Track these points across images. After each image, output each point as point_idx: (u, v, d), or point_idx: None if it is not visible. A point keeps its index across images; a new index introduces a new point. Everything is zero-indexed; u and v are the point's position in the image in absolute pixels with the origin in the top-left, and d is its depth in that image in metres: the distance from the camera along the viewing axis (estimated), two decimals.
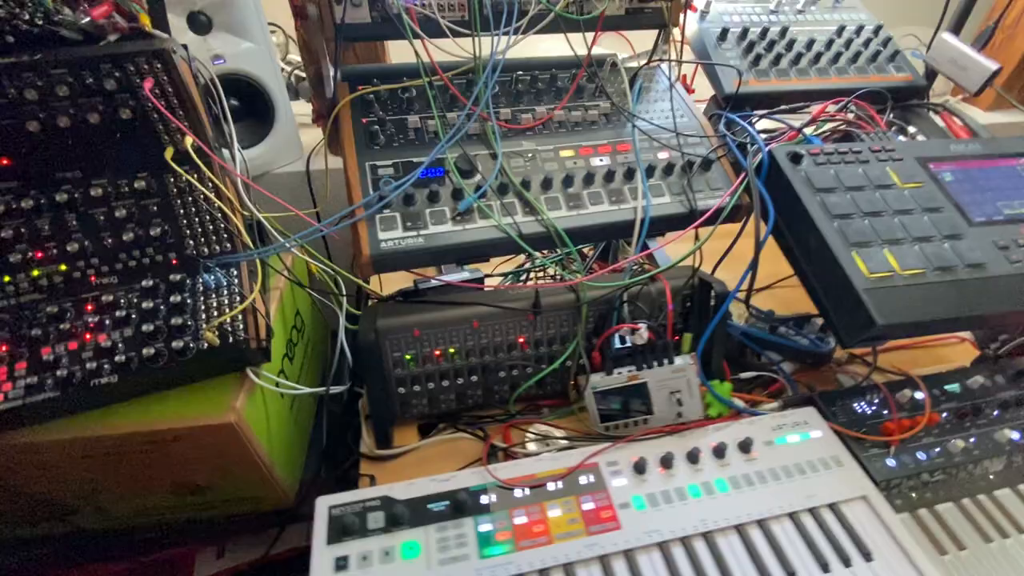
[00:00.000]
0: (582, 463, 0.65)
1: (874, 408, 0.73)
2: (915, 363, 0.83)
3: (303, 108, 1.13)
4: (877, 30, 0.91)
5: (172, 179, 0.68)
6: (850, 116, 0.79)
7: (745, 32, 0.87)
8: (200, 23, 0.87)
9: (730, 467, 0.66)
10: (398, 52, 1.05)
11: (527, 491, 0.62)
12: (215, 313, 0.66)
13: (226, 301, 0.67)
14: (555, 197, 0.68)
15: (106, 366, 0.62)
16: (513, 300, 0.70)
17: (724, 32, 0.86)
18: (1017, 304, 0.61)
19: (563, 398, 0.76)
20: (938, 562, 0.60)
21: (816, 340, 0.80)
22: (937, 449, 0.69)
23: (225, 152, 0.73)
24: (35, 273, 0.64)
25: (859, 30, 0.91)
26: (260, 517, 0.88)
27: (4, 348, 0.61)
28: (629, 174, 0.70)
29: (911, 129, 0.81)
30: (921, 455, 0.68)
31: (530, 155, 0.71)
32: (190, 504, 0.81)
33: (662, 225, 0.70)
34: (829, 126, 0.81)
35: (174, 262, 0.68)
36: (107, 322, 0.64)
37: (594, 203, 0.69)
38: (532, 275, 0.91)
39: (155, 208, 0.68)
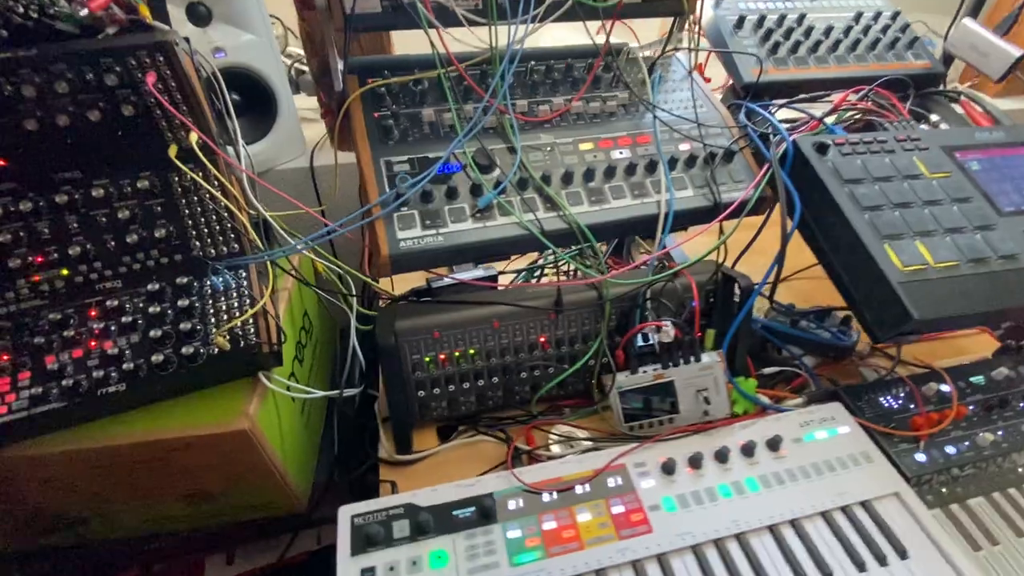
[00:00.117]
0: (609, 465, 0.63)
1: (900, 402, 0.71)
2: (935, 355, 0.82)
3: (305, 103, 1.10)
4: (895, 16, 0.89)
5: (176, 178, 0.65)
6: (871, 105, 0.77)
7: (762, 19, 0.85)
8: (200, 14, 0.83)
9: (759, 466, 0.64)
10: (402, 44, 1.02)
11: (555, 495, 0.61)
12: (225, 317, 0.64)
13: (236, 304, 0.65)
14: (576, 192, 0.66)
15: (113, 374, 0.60)
16: (534, 299, 0.68)
17: (741, 20, 0.84)
18: None
19: (584, 398, 0.74)
20: (973, 558, 0.59)
21: (838, 333, 0.79)
22: (966, 443, 0.68)
23: (229, 150, 0.71)
24: (36, 278, 0.61)
25: (876, 16, 0.89)
26: (270, 522, 0.86)
27: (6, 357, 0.58)
28: (651, 167, 0.68)
29: (933, 117, 0.79)
30: (950, 449, 0.67)
31: (549, 148, 0.68)
32: (201, 512, 0.78)
33: (686, 219, 0.68)
34: (850, 115, 0.79)
35: (180, 264, 0.65)
36: (113, 328, 0.62)
37: (616, 197, 0.67)
38: (547, 272, 0.89)
39: (159, 208, 0.65)
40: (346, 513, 0.58)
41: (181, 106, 0.62)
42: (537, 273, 0.88)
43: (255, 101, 0.94)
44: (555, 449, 0.67)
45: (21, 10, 0.56)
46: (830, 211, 0.63)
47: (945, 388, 0.73)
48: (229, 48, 0.85)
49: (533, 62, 0.74)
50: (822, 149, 0.67)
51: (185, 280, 0.64)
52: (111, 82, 0.59)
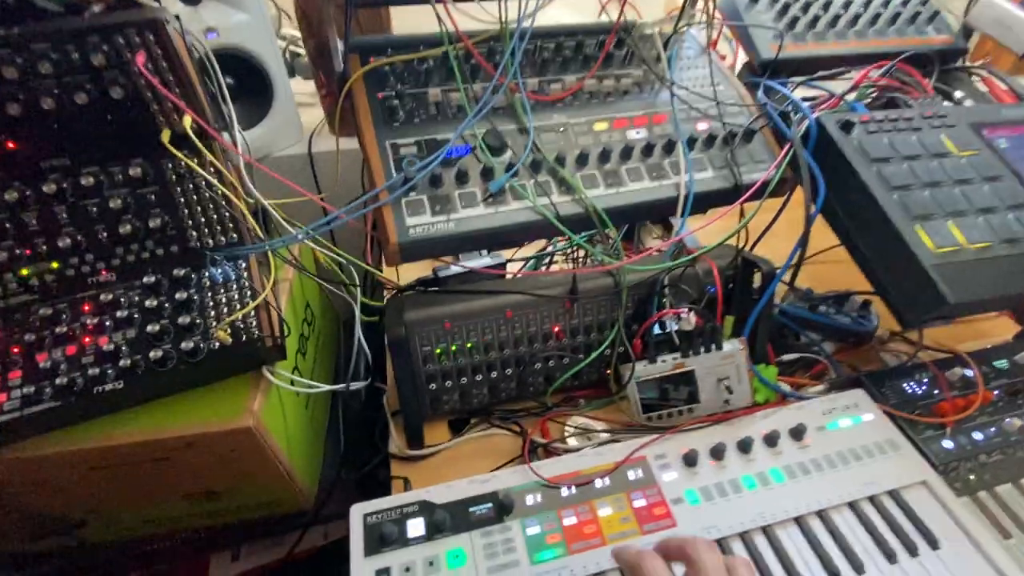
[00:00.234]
0: (629, 457, 0.61)
1: (924, 388, 0.70)
2: (956, 339, 0.80)
3: (301, 87, 1.06)
4: None
5: (170, 165, 0.62)
6: (894, 81, 0.74)
7: None
8: None
9: (783, 456, 0.62)
10: (401, 24, 0.98)
11: (574, 489, 0.59)
12: (225, 310, 0.61)
13: (236, 296, 0.62)
14: (592, 174, 0.63)
15: (110, 371, 0.57)
16: (548, 287, 0.65)
17: None
18: None
19: (599, 388, 0.72)
20: (1004, 546, 0.57)
21: (859, 318, 0.76)
22: (993, 428, 0.66)
23: (224, 135, 0.67)
24: (24, 272, 0.58)
25: None
26: (276, 520, 0.84)
27: None
28: (669, 147, 0.65)
29: (958, 94, 0.76)
30: (977, 435, 0.65)
31: (562, 129, 0.65)
32: (205, 512, 0.76)
33: (706, 201, 0.65)
34: (871, 92, 0.76)
35: (177, 256, 0.62)
36: (108, 323, 0.59)
37: (633, 179, 0.64)
38: (558, 259, 0.86)
39: (153, 197, 0.62)
40: (358, 512, 0.56)
41: (173, 88, 0.59)
42: (547, 261, 0.86)
43: (250, 85, 0.90)
44: (572, 442, 0.65)
45: None
46: (857, 192, 0.61)
47: (969, 373, 0.71)
48: (221, 28, 0.81)
49: (541, 40, 0.71)
50: (847, 127, 0.64)
51: (182, 272, 0.61)
52: (98, 62, 0.56)
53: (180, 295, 0.60)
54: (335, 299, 0.81)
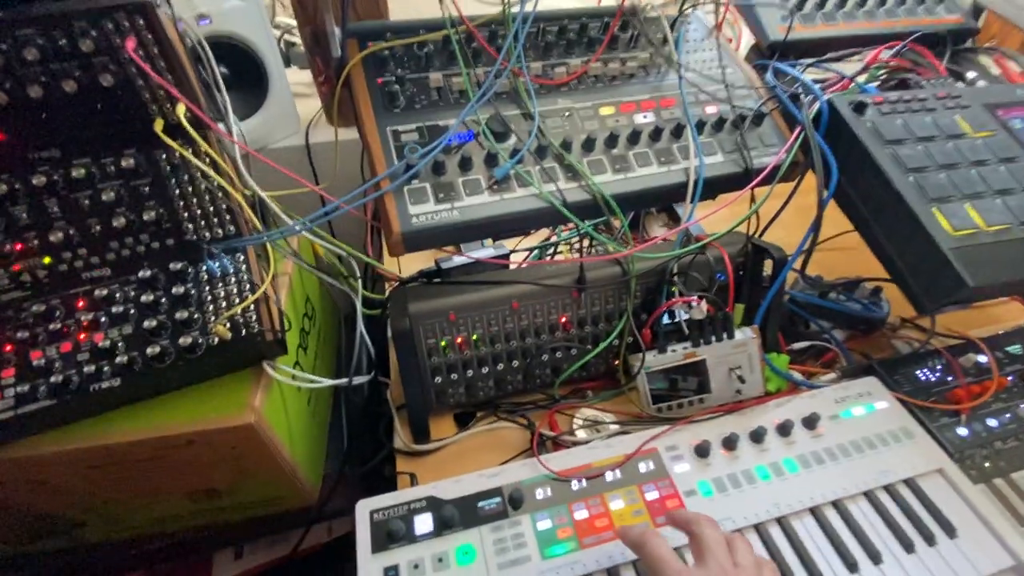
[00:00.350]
0: (640, 449, 0.60)
1: (938, 375, 0.69)
2: (966, 324, 0.78)
3: (297, 76, 1.04)
4: None
5: (164, 155, 0.60)
6: (906, 62, 0.72)
7: None
8: None
9: (797, 445, 0.61)
10: (397, 10, 0.96)
11: (584, 482, 0.57)
12: (223, 304, 0.59)
13: (234, 290, 0.60)
14: (599, 160, 0.61)
15: (106, 368, 0.55)
16: (555, 276, 0.63)
17: None
18: None
19: (607, 379, 0.71)
20: (1021, 533, 0.56)
21: (870, 305, 0.75)
22: (1008, 415, 0.65)
23: (220, 126, 0.65)
24: (16, 268, 0.56)
25: None
26: (279, 517, 0.83)
27: None
28: (677, 131, 0.64)
29: (970, 75, 0.74)
30: (992, 422, 0.64)
31: (567, 113, 0.64)
32: (207, 509, 0.75)
33: (716, 186, 0.63)
34: (882, 73, 0.75)
35: (173, 249, 0.60)
36: (103, 319, 0.57)
37: (642, 165, 0.62)
38: (562, 249, 0.84)
39: (147, 189, 0.60)
40: (364, 508, 0.55)
41: (166, 75, 0.57)
42: (551, 250, 0.84)
43: (244, 74, 0.88)
44: (580, 434, 0.64)
45: None
46: (871, 174, 0.59)
47: (982, 359, 0.70)
48: (214, 15, 0.79)
49: (544, 23, 0.69)
50: (860, 108, 0.62)
51: (179, 266, 0.59)
52: (87, 48, 0.53)
53: (177, 289, 0.58)
54: (335, 293, 0.80)
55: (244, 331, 0.58)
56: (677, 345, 0.64)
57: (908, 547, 0.54)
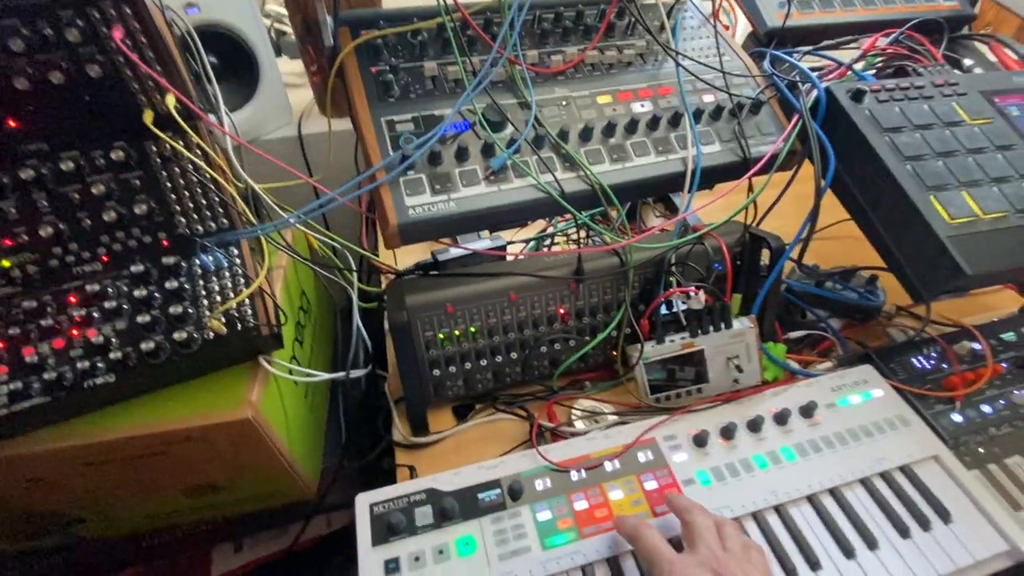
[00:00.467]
0: (638, 439, 0.60)
1: (932, 362, 0.69)
2: (960, 312, 0.79)
3: (288, 67, 1.03)
4: None
5: (154, 147, 0.59)
6: (903, 49, 0.72)
7: None
8: None
9: (794, 434, 0.62)
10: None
11: (583, 473, 0.57)
12: (218, 298, 0.59)
13: (229, 284, 0.60)
14: (596, 149, 0.61)
15: (100, 364, 0.55)
16: (552, 268, 0.63)
17: None
18: None
19: (605, 370, 0.71)
20: (1015, 518, 0.57)
21: (865, 293, 0.75)
22: (1002, 401, 0.66)
23: (210, 117, 0.64)
24: (5, 263, 0.55)
25: None
26: (278, 511, 0.83)
27: None
28: (675, 120, 0.63)
29: (967, 62, 0.74)
30: (986, 408, 0.65)
31: (564, 102, 0.63)
32: (206, 505, 0.75)
33: (714, 176, 0.63)
34: (879, 61, 0.74)
35: (165, 243, 0.60)
36: (96, 315, 0.56)
37: (639, 154, 0.61)
38: (559, 240, 0.84)
39: (137, 182, 0.59)
40: (364, 501, 0.55)
41: (154, 65, 0.55)
42: (547, 241, 0.84)
43: (235, 64, 0.87)
44: (579, 425, 0.64)
45: None
46: (869, 163, 0.59)
47: (977, 346, 0.70)
48: (203, 3, 0.77)
49: (540, 10, 0.68)
50: (857, 96, 0.62)
51: (172, 260, 0.59)
52: (73, 38, 0.52)
53: (170, 284, 0.57)
54: (331, 286, 0.79)
55: (239, 325, 0.58)
56: (675, 335, 0.64)
57: (903, 532, 0.55)
